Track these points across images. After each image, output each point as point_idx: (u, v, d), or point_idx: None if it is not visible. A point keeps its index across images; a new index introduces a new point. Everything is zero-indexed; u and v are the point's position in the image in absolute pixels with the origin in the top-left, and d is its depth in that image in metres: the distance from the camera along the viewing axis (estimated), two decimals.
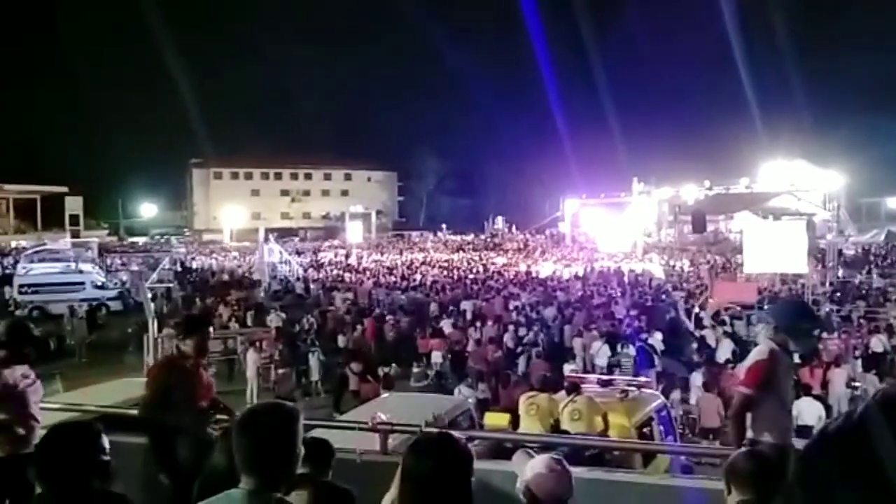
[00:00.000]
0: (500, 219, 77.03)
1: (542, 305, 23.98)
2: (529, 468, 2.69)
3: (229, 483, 3.03)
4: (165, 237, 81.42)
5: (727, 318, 20.01)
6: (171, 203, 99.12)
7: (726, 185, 46.34)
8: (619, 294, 26.47)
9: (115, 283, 35.82)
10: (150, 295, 26.35)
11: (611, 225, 48.94)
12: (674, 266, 39.35)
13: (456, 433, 2.06)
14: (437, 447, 2.02)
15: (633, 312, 20.51)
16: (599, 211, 52.41)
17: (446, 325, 21.00)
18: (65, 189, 71.90)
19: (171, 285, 33.45)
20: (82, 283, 32.62)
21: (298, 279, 38.20)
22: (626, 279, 32.82)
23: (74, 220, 75.14)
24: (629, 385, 10.09)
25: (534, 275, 36.78)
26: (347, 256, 51.91)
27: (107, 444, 2.65)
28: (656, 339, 17.25)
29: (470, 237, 71.37)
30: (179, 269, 43.44)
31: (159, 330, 18.89)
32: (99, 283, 33.67)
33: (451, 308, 24.53)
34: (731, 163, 54.59)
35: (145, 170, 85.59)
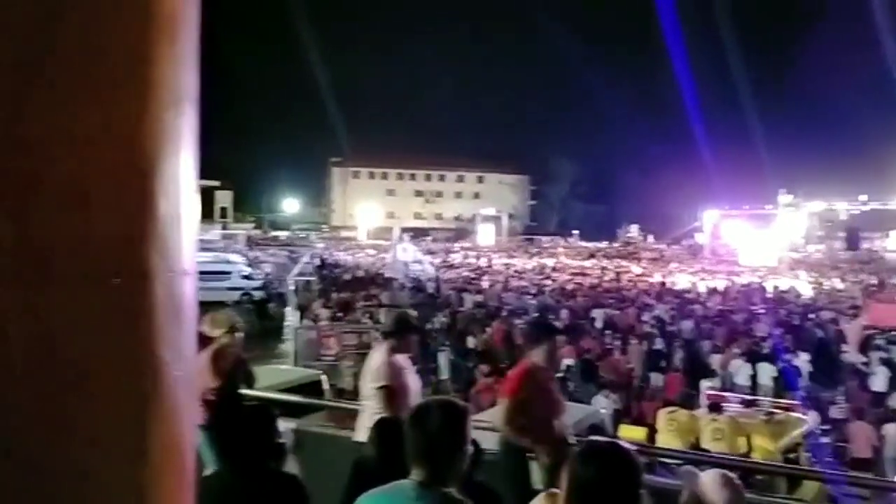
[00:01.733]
0: (634, 227, 75.19)
1: (678, 318, 23.18)
2: (703, 483, 2.62)
3: (379, 473, 3.12)
4: (305, 232, 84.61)
5: (882, 343, 18.65)
6: (311, 200, 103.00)
7: (884, 201, 43.16)
8: (761, 311, 25.19)
9: (260, 274, 37.55)
10: (292, 286, 27.57)
11: (754, 238, 46.75)
12: (822, 284, 37.09)
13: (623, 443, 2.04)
14: (606, 455, 1.99)
15: (777, 331, 19.48)
16: (742, 223, 50.19)
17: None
18: (217, 183, 76.32)
19: (310, 279, 34.75)
20: (229, 273, 34.34)
21: (430, 279, 38.79)
22: (769, 295, 31.22)
23: (224, 212, 79.58)
24: (774, 407, 9.62)
25: (669, 286, 35.63)
26: (478, 258, 52.16)
27: (281, 428, 2.79)
28: (802, 360, 16.31)
29: (603, 244, 70.03)
30: (318, 263, 45.05)
31: (300, 320, 19.68)
32: (245, 274, 35.37)
33: (581, 316, 24.16)
34: (890, 177, 50.88)
35: (289, 167, 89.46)
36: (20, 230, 0.70)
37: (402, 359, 4.71)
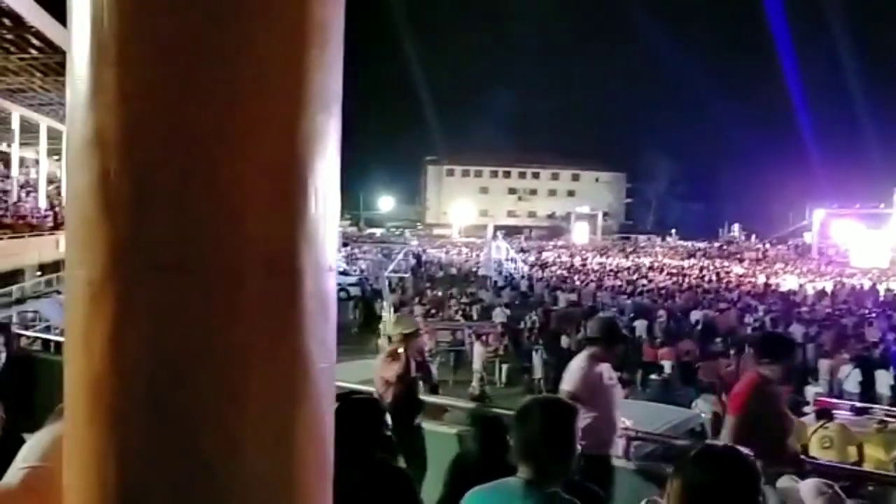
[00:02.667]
0: (736, 226, 72.71)
1: (783, 321, 22.29)
2: (801, 491, 2.54)
3: (480, 469, 3.14)
4: (400, 230, 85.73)
5: None
6: (406, 197, 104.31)
7: None
8: (873, 314, 23.93)
9: (356, 270, 38.34)
10: (386, 283, 28.02)
11: (866, 238, 44.42)
12: None
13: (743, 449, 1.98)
14: (723, 461, 1.94)
15: (890, 336, 18.48)
16: (853, 222, 47.78)
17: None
18: None
19: (405, 275, 35.24)
20: None
21: (523, 277, 38.66)
22: (881, 298, 29.63)
23: None
24: (888, 416, 9.13)
25: (773, 288, 34.30)
26: (572, 257, 51.62)
27: (389, 421, 2.85)
28: None
29: (702, 244, 67.98)
30: (413, 260, 45.59)
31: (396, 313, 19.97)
32: (341, 270, 36.21)
33: (679, 316, 23.57)
34: None
35: (385, 165, 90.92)
36: (182, 225, 0.74)
37: (605, 368, 4.51)
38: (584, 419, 4.16)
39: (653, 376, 17.56)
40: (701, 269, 43.38)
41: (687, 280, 37.11)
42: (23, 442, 3.18)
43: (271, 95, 0.76)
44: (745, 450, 1.97)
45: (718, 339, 19.41)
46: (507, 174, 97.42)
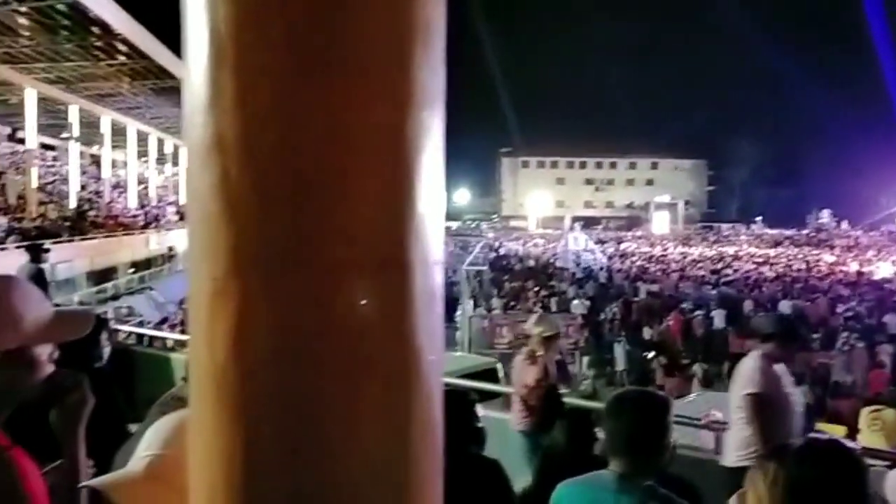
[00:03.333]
0: (825, 212, 69.97)
1: (877, 311, 21.38)
2: (885, 482, 2.45)
3: (568, 462, 3.13)
4: (476, 222, 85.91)
5: None
6: (482, 190, 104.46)
7: None
8: None
9: None
10: (464, 275, 28.11)
11: None
12: None
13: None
14: (827, 455, 1.88)
15: None
16: None
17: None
18: None
19: (483, 268, 35.32)
20: None
21: (602, 268, 38.23)
22: None
23: None
24: None
25: (867, 276, 32.90)
26: (652, 247, 50.68)
27: (480, 413, 2.88)
28: None
29: (790, 231, 65.66)
30: (490, 253, 45.62)
31: (473, 309, 20.08)
32: None
33: (767, 307, 22.87)
34: None
35: (460, 158, 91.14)
36: (299, 224, 0.77)
37: (780, 368, 4.43)
38: (756, 425, 3.93)
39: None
40: (789, 258, 41.93)
41: (774, 269, 35.94)
42: (124, 429, 3.33)
43: (380, 95, 0.78)
44: (849, 443, 1.90)
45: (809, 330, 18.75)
46: (584, 164, 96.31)
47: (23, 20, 22.02)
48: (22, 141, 35.83)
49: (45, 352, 1.39)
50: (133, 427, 3.20)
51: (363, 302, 0.79)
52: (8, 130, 41.10)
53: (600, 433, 3.79)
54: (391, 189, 0.80)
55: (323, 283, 0.78)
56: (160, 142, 45.62)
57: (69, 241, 26.12)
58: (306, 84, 0.76)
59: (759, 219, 73.73)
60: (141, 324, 18.68)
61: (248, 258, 0.79)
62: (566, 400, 6.46)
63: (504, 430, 5.54)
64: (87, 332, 1.55)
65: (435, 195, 0.85)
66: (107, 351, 3.69)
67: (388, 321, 0.81)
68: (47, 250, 10.01)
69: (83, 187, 37.26)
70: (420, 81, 0.81)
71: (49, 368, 1.40)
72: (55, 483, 1.53)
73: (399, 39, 0.79)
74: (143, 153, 44.66)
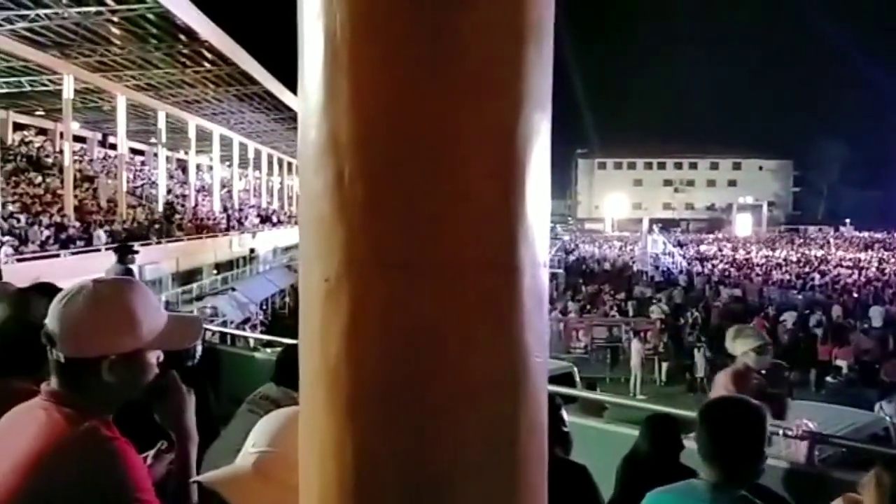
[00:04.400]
0: None
1: None
2: None
3: (651, 469, 3.06)
4: (551, 224, 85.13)
5: None
6: (556, 192, 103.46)
7: None
8: None
9: None
10: None
11: None
12: None
13: None
14: None
15: None
16: None
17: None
18: None
19: (558, 271, 35.02)
20: None
21: (681, 271, 37.42)
22: None
23: None
24: None
25: None
26: (734, 250, 49.28)
27: (567, 417, 2.86)
28: None
29: (881, 234, 62.81)
30: (566, 255, 45.22)
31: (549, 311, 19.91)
32: None
33: (857, 312, 21.96)
34: None
35: None
36: (410, 225, 0.78)
37: None
38: None
39: (828, 377, 16.49)
40: (880, 262, 40.13)
41: (864, 273, 34.45)
42: (215, 426, 3.43)
43: (491, 96, 0.78)
44: None
45: None
46: (663, 165, 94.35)
47: (114, 29, 23.02)
48: (113, 146, 37.44)
49: (155, 356, 1.44)
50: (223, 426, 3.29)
51: (471, 303, 0.80)
52: (100, 136, 42.97)
53: (685, 440, 3.71)
54: (502, 191, 0.80)
55: (434, 284, 0.79)
56: (242, 146, 46.93)
57: (157, 243, 27.17)
58: (420, 86, 0.76)
59: (847, 221, 70.90)
60: (224, 323, 19.23)
61: (361, 259, 0.80)
62: (645, 405, 6.35)
63: (585, 435, 5.47)
64: (197, 339, 1.60)
65: (542, 197, 0.85)
66: (199, 350, 3.81)
67: (496, 321, 0.81)
68: (135, 251, 10.43)
69: (169, 191, 38.65)
70: (532, 82, 0.81)
71: (155, 372, 1.45)
72: (165, 476, 1.59)
73: (512, 40, 0.79)
74: (226, 157, 46.06)
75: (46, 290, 3.75)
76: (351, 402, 0.81)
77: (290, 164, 60.03)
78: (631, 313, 25.05)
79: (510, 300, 0.82)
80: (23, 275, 12.60)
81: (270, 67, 31.62)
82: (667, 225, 65.82)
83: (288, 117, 39.40)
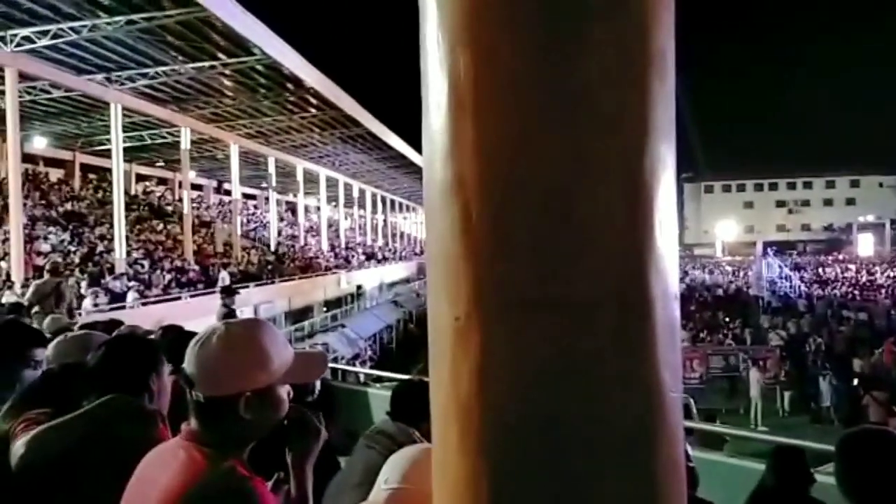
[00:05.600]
0: None
1: None
2: None
3: (779, 502, 2.91)
4: None
5: None
6: None
7: None
8: None
9: None
10: None
11: None
12: None
13: None
14: None
15: None
16: None
17: None
18: None
19: None
20: None
21: (800, 296, 35.70)
22: None
23: None
24: None
25: None
26: (857, 272, 46.63)
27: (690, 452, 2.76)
28: None
29: None
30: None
31: None
32: None
33: None
34: None
35: None
36: (540, 262, 0.78)
37: None
38: None
39: None
40: None
41: None
42: (335, 461, 3.49)
43: (620, 129, 0.78)
44: None
45: None
46: (774, 186, 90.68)
47: (226, 81, 24.27)
48: (228, 192, 39.25)
49: (285, 391, 1.50)
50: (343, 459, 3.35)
51: (603, 339, 0.79)
52: (215, 183, 45.17)
53: (815, 474, 3.51)
54: (631, 224, 0.79)
55: (564, 321, 0.79)
56: (347, 186, 48.29)
57: (270, 282, 28.17)
58: (546, 126, 0.77)
59: None
60: (335, 360, 19.64)
61: (490, 298, 0.80)
62: (769, 437, 6.06)
63: (706, 470, 5.26)
64: (323, 373, 1.65)
65: (671, 229, 0.83)
66: (318, 385, 3.90)
67: (629, 357, 0.80)
68: (236, 292, 10.86)
69: (280, 232, 40.11)
70: (656, 114, 0.80)
71: (287, 407, 1.50)
72: None
73: (636, 74, 0.78)
74: (332, 198, 47.45)
75: (170, 331, 3.97)
76: (484, 440, 0.81)
77: (392, 201, 61.26)
78: (748, 341, 24.06)
79: (643, 335, 0.80)
80: (148, 317, 13.32)
81: (372, 109, 32.55)
82: (782, 248, 63.04)
83: (390, 156, 40.31)
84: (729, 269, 54.29)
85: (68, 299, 8.85)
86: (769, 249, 42.96)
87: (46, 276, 9.53)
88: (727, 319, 27.97)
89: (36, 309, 8.25)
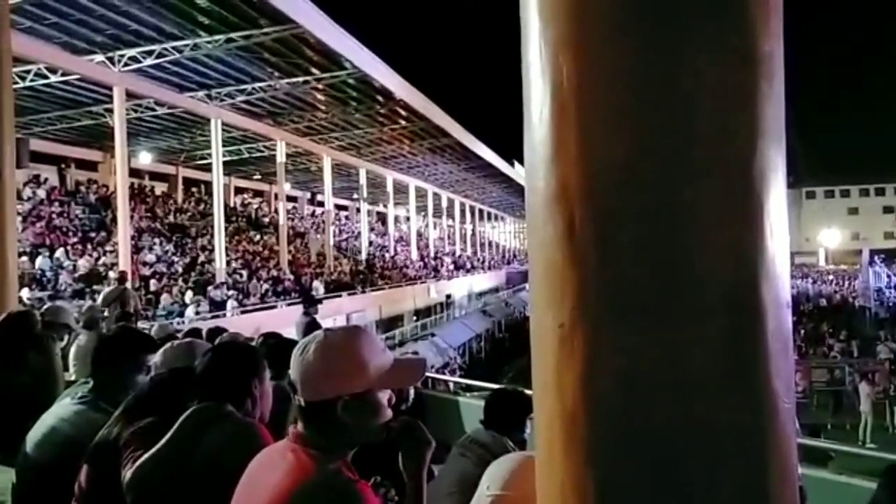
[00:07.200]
0: None
1: None
2: None
3: None
4: None
5: None
6: None
7: None
8: None
9: None
10: None
11: None
12: None
13: None
14: None
15: None
16: None
17: None
18: None
19: None
20: None
21: None
22: None
23: None
24: None
25: None
26: None
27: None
28: None
29: None
30: None
31: None
32: None
33: None
34: None
35: None
36: (645, 269, 0.78)
37: None
38: None
39: None
40: None
41: None
42: (428, 468, 3.51)
43: (725, 131, 0.77)
44: None
45: None
46: (881, 191, 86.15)
47: (319, 96, 24.89)
48: (321, 204, 40.19)
49: (385, 396, 1.53)
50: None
51: (713, 346, 0.77)
52: (308, 195, 46.33)
53: None
54: (741, 230, 0.77)
55: (672, 330, 0.78)
56: (436, 196, 48.64)
57: (361, 292, 28.66)
58: (652, 133, 0.76)
59: None
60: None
61: (594, 306, 0.80)
62: (880, 454, 5.76)
63: (812, 487, 5.04)
64: (421, 378, 1.68)
65: (782, 234, 0.81)
66: (412, 393, 3.95)
67: (741, 366, 0.78)
68: (319, 301, 11.08)
69: (371, 242, 40.75)
70: (765, 116, 0.78)
71: (388, 413, 1.53)
72: None
73: (744, 76, 0.77)
74: (421, 208, 47.92)
75: (269, 338, 4.09)
76: (590, 446, 0.81)
77: (480, 210, 61.30)
78: (855, 353, 22.92)
79: (754, 343, 0.78)
80: (246, 325, 13.75)
81: (461, 119, 32.73)
82: (890, 256, 59.81)
83: (478, 166, 40.40)
84: (832, 278, 51.88)
85: (132, 304, 9.34)
86: (876, 258, 40.79)
87: (114, 283, 10.05)
88: (832, 331, 26.75)
89: (105, 313, 8.68)
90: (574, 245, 0.81)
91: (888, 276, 39.66)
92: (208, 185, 28.18)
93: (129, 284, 12.89)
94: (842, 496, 4.88)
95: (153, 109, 23.25)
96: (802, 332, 26.79)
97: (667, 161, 0.76)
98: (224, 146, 25.56)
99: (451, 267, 44.90)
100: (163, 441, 1.99)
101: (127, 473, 2.01)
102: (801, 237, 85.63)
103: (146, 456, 2.00)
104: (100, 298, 9.67)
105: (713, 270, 0.77)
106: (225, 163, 26.37)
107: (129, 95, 19.56)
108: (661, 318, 0.78)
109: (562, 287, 0.82)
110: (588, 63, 0.79)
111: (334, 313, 21.86)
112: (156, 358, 2.79)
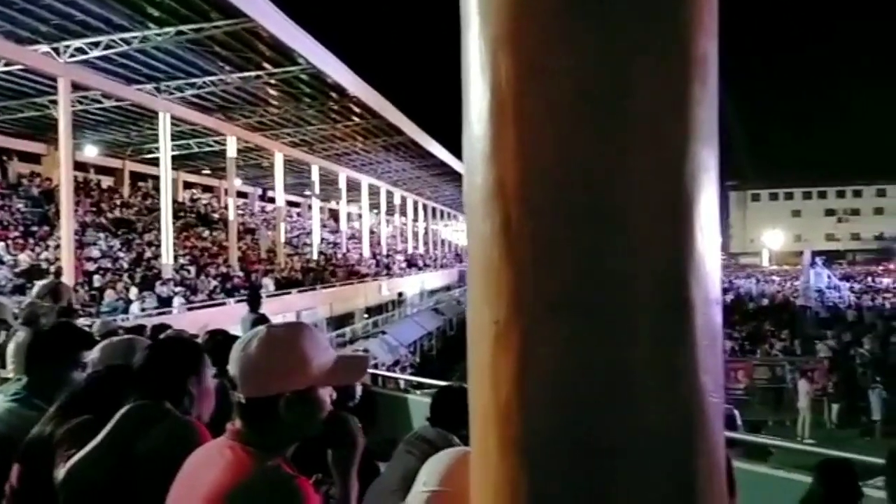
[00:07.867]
0: None
1: None
2: None
3: None
4: None
5: None
6: None
7: None
8: None
9: None
10: None
11: None
12: None
13: None
14: None
15: None
16: None
17: None
18: None
19: None
20: None
21: (850, 306, 34.87)
22: None
23: None
24: None
25: None
26: None
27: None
28: None
29: None
30: (722, 292, 43.23)
31: None
32: None
33: None
34: None
35: None
36: (579, 267, 0.79)
37: None
38: None
39: None
40: None
41: None
42: (374, 466, 3.51)
43: (659, 135, 0.78)
44: None
45: None
46: (823, 194, 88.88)
47: (272, 91, 24.65)
48: (272, 200, 39.79)
49: (327, 393, 1.52)
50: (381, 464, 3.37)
51: (644, 344, 0.79)
52: (259, 191, 45.83)
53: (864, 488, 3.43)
54: (671, 229, 0.79)
55: (602, 327, 0.79)
56: (389, 194, 48.56)
57: (311, 289, 28.45)
58: (587, 132, 0.77)
59: None
60: (376, 366, 19.73)
61: (529, 302, 0.81)
62: (817, 450, 5.94)
63: (750, 482, 5.17)
64: (363, 375, 1.68)
65: (713, 234, 0.83)
66: (359, 391, 3.94)
67: (670, 362, 0.80)
68: (260, 298, 11.00)
69: (322, 239, 40.49)
70: (698, 119, 0.80)
71: (329, 409, 1.53)
72: None
73: (679, 78, 0.79)
74: (374, 205, 47.79)
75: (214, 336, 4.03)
76: (523, 443, 0.82)
77: (433, 209, 61.43)
78: (798, 352, 23.58)
79: (683, 339, 0.80)
80: (193, 322, 13.53)
81: (415, 117, 32.73)
82: (831, 257, 61.64)
83: (431, 164, 40.49)
84: (776, 278, 53.25)
85: (66, 298, 9.20)
86: (818, 259, 41.98)
87: (51, 277, 9.84)
88: (774, 329, 27.44)
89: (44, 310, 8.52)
90: (510, 242, 0.81)
91: (828, 277, 40.86)
92: (156, 179, 27.67)
93: (64, 278, 12.58)
94: (780, 490, 5.02)
95: (100, 102, 22.73)
96: (745, 330, 27.44)
97: (600, 161, 0.78)
98: (173, 140, 25.12)
99: (404, 265, 44.84)
100: (97, 439, 1.94)
101: (60, 472, 1.97)
102: (746, 238, 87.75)
103: (80, 454, 1.95)
104: (33, 291, 9.46)
105: (644, 268, 0.78)
106: (174, 157, 25.93)
107: (75, 87, 19.09)
108: (592, 315, 0.79)
109: (498, 283, 0.83)
110: (526, 63, 0.79)
111: (285, 310, 21.63)
112: (93, 354, 2.72)
